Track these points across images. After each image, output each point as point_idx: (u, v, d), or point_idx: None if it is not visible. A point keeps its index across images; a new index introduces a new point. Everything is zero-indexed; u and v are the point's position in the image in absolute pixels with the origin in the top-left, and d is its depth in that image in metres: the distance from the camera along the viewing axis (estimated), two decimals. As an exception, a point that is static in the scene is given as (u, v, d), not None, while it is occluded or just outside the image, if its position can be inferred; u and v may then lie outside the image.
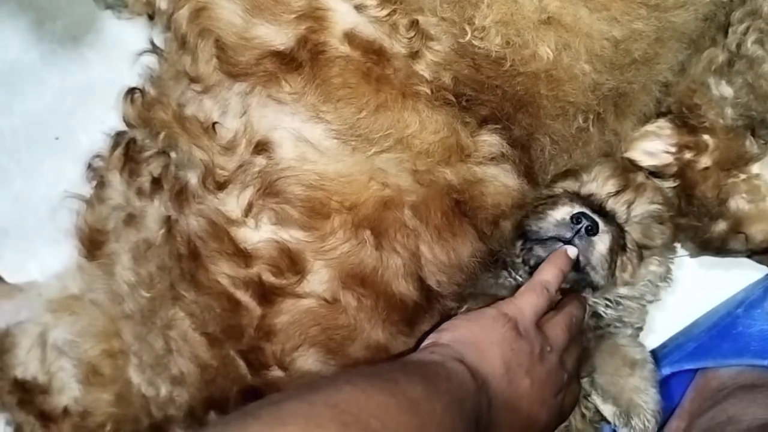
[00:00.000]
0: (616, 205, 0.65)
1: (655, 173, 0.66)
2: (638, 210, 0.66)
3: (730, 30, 0.62)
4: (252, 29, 0.57)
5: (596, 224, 0.62)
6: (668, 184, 0.65)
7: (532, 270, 0.65)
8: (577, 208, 0.63)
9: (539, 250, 0.64)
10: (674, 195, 0.65)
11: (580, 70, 0.56)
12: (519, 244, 0.66)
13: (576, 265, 0.63)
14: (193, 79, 0.60)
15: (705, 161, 0.63)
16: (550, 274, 0.62)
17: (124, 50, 0.71)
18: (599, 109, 0.59)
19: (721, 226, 0.64)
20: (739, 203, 0.63)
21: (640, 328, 0.72)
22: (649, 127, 0.64)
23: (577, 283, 0.65)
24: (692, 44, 0.62)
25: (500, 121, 0.58)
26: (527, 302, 0.60)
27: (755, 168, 0.63)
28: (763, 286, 0.68)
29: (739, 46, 0.60)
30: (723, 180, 0.62)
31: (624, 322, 0.70)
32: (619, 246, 0.64)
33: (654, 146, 0.64)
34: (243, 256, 0.58)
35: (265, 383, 0.60)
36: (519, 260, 0.66)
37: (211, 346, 0.61)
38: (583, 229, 0.62)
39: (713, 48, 0.62)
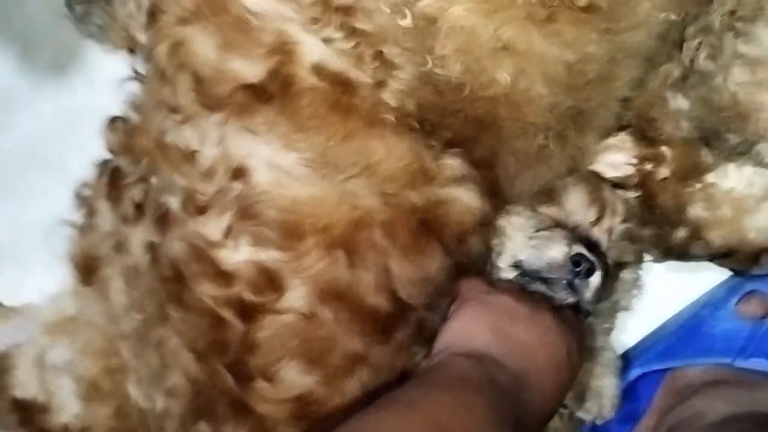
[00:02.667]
0: (599, 234, 0.70)
1: (618, 185, 0.70)
2: (615, 233, 0.71)
3: (684, 45, 0.66)
4: (226, 63, 0.62)
5: (593, 265, 0.67)
6: (631, 194, 0.70)
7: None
8: (575, 249, 0.67)
9: (540, 286, 0.68)
10: (637, 205, 0.70)
11: (536, 92, 0.61)
12: (515, 275, 0.70)
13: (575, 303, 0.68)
14: (173, 110, 0.65)
15: (664, 172, 0.68)
16: None
17: (111, 77, 0.75)
18: (559, 127, 0.64)
19: (681, 233, 0.69)
20: (697, 211, 0.68)
21: (611, 329, 0.77)
22: (611, 140, 0.69)
23: None
24: (648, 61, 0.66)
25: (463, 144, 0.64)
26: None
27: (711, 177, 0.67)
28: (725, 288, 0.72)
29: (692, 61, 0.65)
30: (681, 189, 0.67)
31: (593, 323, 0.75)
32: (606, 275, 0.69)
33: (616, 159, 0.69)
34: (224, 276, 0.63)
35: (251, 395, 0.65)
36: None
37: (199, 361, 0.66)
38: (583, 272, 0.67)
39: (669, 64, 0.66)
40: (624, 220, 0.72)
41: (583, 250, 0.67)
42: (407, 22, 0.58)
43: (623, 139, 0.69)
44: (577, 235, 0.70)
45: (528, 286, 0.69)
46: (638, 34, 0.62)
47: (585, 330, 0.71)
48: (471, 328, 0.65)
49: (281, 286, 0.63)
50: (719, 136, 0.65)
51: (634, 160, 0.69)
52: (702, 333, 0.70)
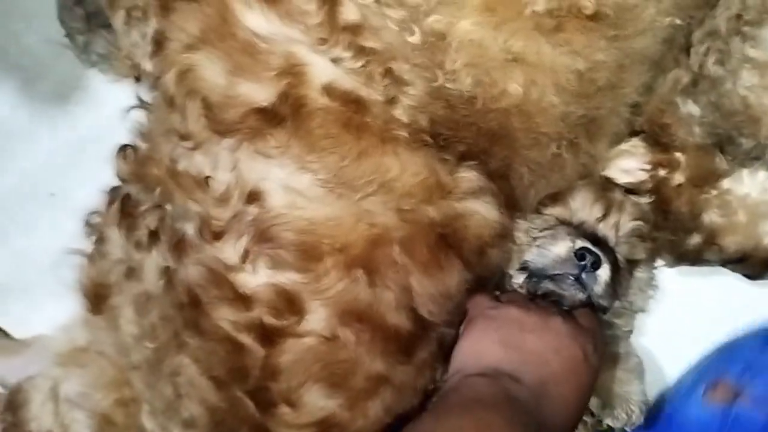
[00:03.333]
0: (606, 229, 0.71)
1: (631, 190, 0.71)
2: (624, 230, 0.71)
3: (691, 51, 0.67)
4: (235, 88, 0.62)
5: (599, 258, 0.68)
6: (644, 200, 0.70)
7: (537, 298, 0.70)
8: (579, 243, 0.68)
9: (549, 285, 0.69)
10: (651, 210, 0.70)
11: (548, 102, 0.61)
12: (523, 278, 0.71)
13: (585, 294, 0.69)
14: (183, 137, 0.65)
15: (678, 178, 0.68)
16: None
17: (112, 106, 0.76)
18: (571, 135, 0.65)
19: (695, 239, 0.69)
20: (712, 217, 0.68)
21: (630, 332, 0.78)
22: (624, 146, 0.70)
23: None
24: (656, 66, 0.67)
25: (477, 156, 0.64)
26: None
27: (725, 183, 0.68)
28: (693, 375, 0.74)
29: (701, 66, 0.66)
30: (696, 195, 0.68)
31: (613, 325, 0.75)
32: (616, 269, 0.69)
33: (629, 164, 0.70)
34: (243, 300, 0.63)
35: (273, 421, 0.65)
36: (523, 291, 0.71)
37: (219, 389, 0.66)
38: (588, 265, 0.68)
39: (677, 69, 0.67)
40: (633, 219, 0.72)
41: (587, 244, 0.68)
42: (416, 38, 0.59)
43: (636, 144, 0.69)
44: (581, 231, 0.70)
45: (538, 288, 0.69)
46: (644, 40, 0.63)
47: (602, 328, 0.70)
48: (481, 346, 0.65)
49: (301, 309, 0.63)
50: (732, 141, 0.66)
51: (648, 166, 0.69)
52: (675, 424, 0.71)
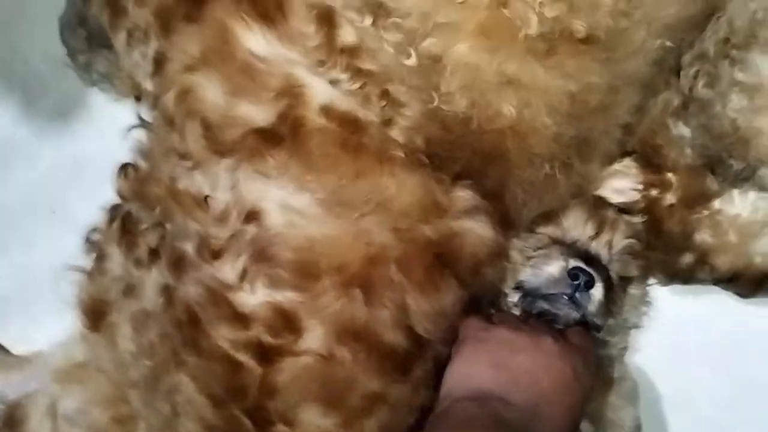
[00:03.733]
0: (599, 248, 0.72)
1: (624, 210, 0.72)
2: (616, 247, 0.72)
3: (681, 73, 0.68)
4: (235, 108, 0.63)
5: (592, 277, 0.69)
6: (637, 219, 0.72)
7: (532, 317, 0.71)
8: (572, 263, 0.69)
9: (543, 304, 0.70)
10: (643, 229, 0.72)
11: (541, 123, 0.62)
12: (518, 297, 0.71)
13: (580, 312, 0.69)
14: (183, 156, 0.66)
15: (670, 198, 0.69)
16: None
17: (114, 124, 0.77)
18: (564, 156, 0.66)
19: (688, 258, 0.70)
20: (703, 237, 0.69)
21: (625, 348, 0.78)
22: (617, 166, 0.71)
23: None
24: (647, 88, 0.68)
25: (472, 176, 0.65)
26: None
27: (716, 204, 0.69)
28: None
29: (691, 89, 0.67)
30: (687, 216, 0.69)
31: (608, 343, 0.76)
32: (609, 287, 0.70)
33: (622, 184, 0.71)
34: (241, 319, 0.63)
35: (271, 439, 0.66)
36: (518, 310, 0.71)
37: (216, 407, 0.66)
38: (582, 284, 0.69)
39: (668, 92, 0.68)
40: (626, 236, 0.73)
41: (580, 263, 0.69)
42: (412, 61, 0.60)
43: (628, 165, 0.71)
44: (574, 249, 0.71)
45: (532, 307, 0.70)
46: (636, 62, 0.64)
47: (596, 347, 0.71)
48: (471, 368, 0.65)
49: (299, 327, 0.64)
50: (722, 162, 0.67)
51: (640, 186, 0.71)
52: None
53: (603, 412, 0.71)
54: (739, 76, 0.64)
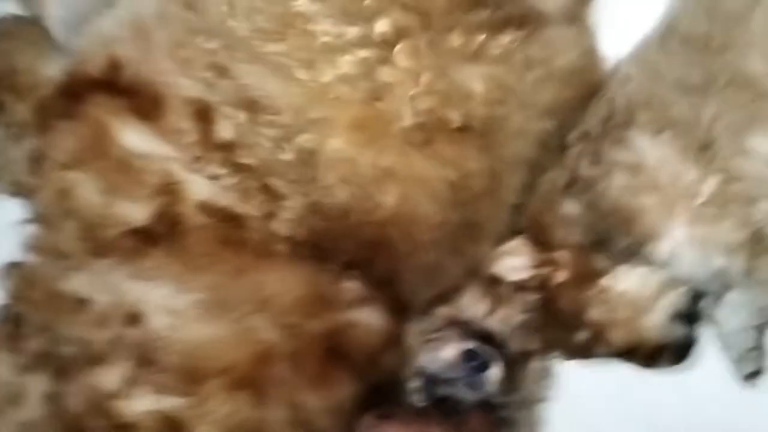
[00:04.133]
0: (494, 324, 0.71)
1: (520, 287, 0.72)
2: (513, 323, 0.71)
3: (567, 152, 0.69)
4: (112, 207, 0.62)
5: (487, 357, 0.68)
6: (533, 297, 0.72)
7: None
8: (466, 345, 0.68)
9: (444, 389, 0.68)
10: (539, 307, 0.72)
11: (423, 212, 0.62)
12: (418, 383, 0.69)
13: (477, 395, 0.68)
14: (63, 256, 0.64)
15: (560, 276, 0.70)
16: None
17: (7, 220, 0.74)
18: (452, 240, 0.65)
19: (583, 335, 0.70)
20: (596, 314, 0.69)
21: (534, 424, 0.76)
22: (509, 245, 0.71)
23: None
24: (533, 168, 0.69)
25: (361, 265, 0.64)
26: None
27: (605, 281, 0.69)
28: None
29: (576, 168, 0.68)
30: (578, 294, 0.69)
31: (516, 420, 0.75)
32: (506, 365, 0.69)
33: (515, 263, 0.71)
34: (124, 429, 0.60)
35: None
36: (421, 396, 0.69)
37: None
38: (477, 365, 0.68)
39: (555, 170, 0.69)
40: (523, 311, 0.72)
41: (474, 345, 0.68)
42: (288, 156, 0.60)
43: (520, 244, 0.71)
44: (470, 329, 0.70)
45: (434, 393, 0.68)
46: (517, 145, 0.65)
47: (499, 426, 0.70)
48: None
49: (186, 435, 0.63)
50: (609, 239, 0.67)
51: (532, 264, 0.71)
52: None
53: None
54: (620, 155, 0.65)
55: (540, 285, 0.69)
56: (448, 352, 0.68)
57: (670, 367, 0.72)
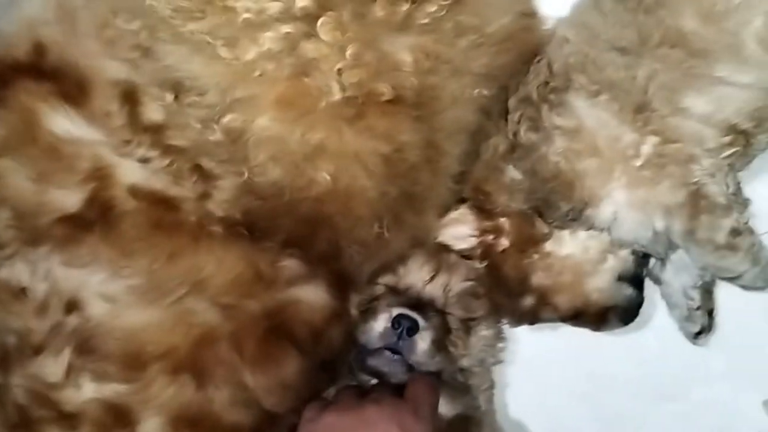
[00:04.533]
0: (434, 291, 0.70)
1: (466, 256, 0.72)
2: (455, 290, 0.71)
3: (508, 117, 0.69)
4: (43, 195, 0.61)
5: (415, 323, 0.67)
6: (478, 265, 0.71)
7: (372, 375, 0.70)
8: (395, 311, 0.67)
9: (371, 361, 0.69)
10: (485, 275, 0.71)
11: (360, 186, 0.62)
12: (354, 354, 0.70)
13: (408, 364, 0.68)
14: (-1, 245, 0.64)
15: (503, 243, 0.69)
16: None
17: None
18: (392, 213, 0.65)
19: (529, 300, 0.70)
20: (539, 279, 0.70)
21: (491, 388, 0.78)
22: (453, 214, 0.71)
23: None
24: (475, 135, 0.69)
25: (301, 242, 0.64)
26: None
27: (548, 246, 0.69)
28: None
29: (516, 133, 0.68)
30: (521, 260, 0.69)
31: (470, 387, 0.75)
32: (443, 332, 0.69)
33: (459, 231, 0.71)
34: (69, 419, 0.61)
35: None
36: (357, 368, 0.70)
37: None
38: (404, 331, 0.67)
39: (497, 136, 0.69)
40: (466, 279, 0.72)
41: (403, 310, 0.68)
42: (217, 136, 0.59)
43: (463, 212, 0.70)
44: (406, 297, 0.70)
45: (364, 366, 0.69)
46: (454, 113, 0.64)
47: (437, 390, 0.69)
48: None
49: (131, 420, 0.61)
50: (551, 204, 0.67)
51: (476, 233, 0.71)
52: None
53: None
54: (558, 120, 0.64)
55: (484, 253, 0.69)
56: (380, 322, 0.68)
57: (617, 329, 0.72)
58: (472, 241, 0.70)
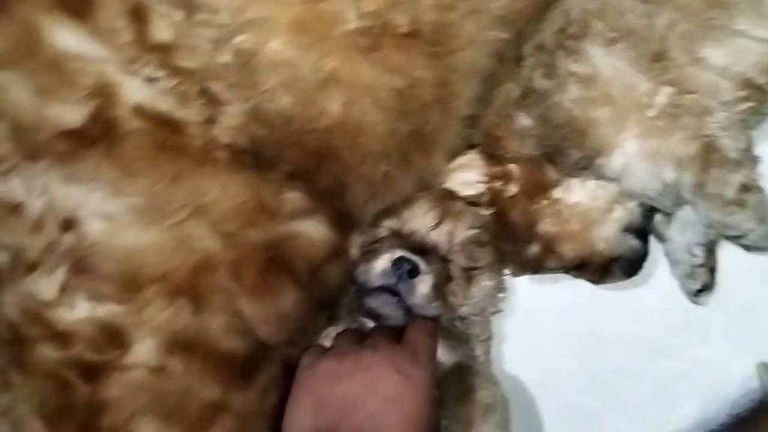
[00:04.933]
0: (438, 237, 0.70)
1: (473, 202, 0.71)
2: (459, 237, 0.71)
3: (522, 64, 0.68)
4: (44, 109, 0.59)
5: (416, 266, 0.67)
6: (485, 212, 0.71)
7: (370, 317, 0.70)
8: (397, 253, 0.67)
9: (369, 301, 0.68)
10: (492, 222, 0.71)
11: (370, 121, 0.61)
12: (353, 292, 0.70)
13: (406, 307, 0.68)
14: (-3, 160, 0.63)
15: (512, 189, 0.69)
16: None
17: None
18: (401, 152, 0.64)
19: (534, 248, 0.70)
20: (546, 226, 0.70)
21: (489, 338, 0.78)
22: (462, 159, 0.70)
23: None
24: (488, 80, 0.67)
25: (306, 175, 0.63)
26: None
27: (556, 193, 0.69)
28: None
29: (530, 80, 0.67)
30: (529, 206, 0.69)
31: (471, 335, 0.75)
32: (444, 278, 0.69)
33: (468, 177, 0.70)
34: (62, 337, 0.60)
35: (106, 458, 0.64)
36: (354, 308, 0.70)
37: (50, 427, 0.63)
38: (405, 273, 0.67)
39: (510, 83, 0.68)
40: (471, 227, 0.72)
41: (405, 253, 0.67)
42: (227, 58, 0.57)
43: (473, 157, 0.70)
44: (409, 241, 0.69)
45: (362, 305, 0.69)
46: (470, 54, 0.63)
47: (436, 336, 0.69)
48: (295, 415, 0.63)
49: (125, 341, 0.61)
50: (561, 152, 0.67)
51: (485, 178, 0.70)
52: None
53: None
54: (574, 67, 0.64)
55: (492, 199, 0.69)
56: (381, 261, 0.67)
57: (620, 281, 0.72)
58: (480, 187, 0.69)
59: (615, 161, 0.64)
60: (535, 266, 0.72)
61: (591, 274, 0.72)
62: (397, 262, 0.67)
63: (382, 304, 0.68)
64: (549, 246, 0.70)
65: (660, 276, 0.78)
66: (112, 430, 0.62)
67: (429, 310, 0.68)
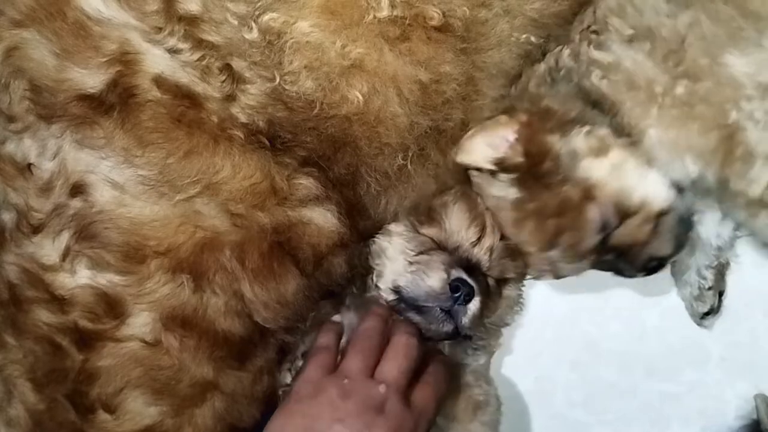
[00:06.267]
0: (480, 254, 0.68)
1: (501, 167, 0.64)
2: (496, 252, 0.68)
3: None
4: (64, 72, 0.59)
5: (473, 290, 0.65)
6: (511, 176, 0.64)
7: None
8: (454, 274, 0.65)
9: (415, 315, 0.66)
10: (520, 185, 0.63)
11: (391, 112, 0.60)
12: (393, 299, 0.67)
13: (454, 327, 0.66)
14: (10, 119, 0.61)
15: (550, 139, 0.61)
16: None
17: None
18: (419, 146, 0.64)
19: (572, 191, 0.62)
20: (585, 171, 0.62)
21: (495, 346, 0.76)
22: (487, 123, 0.63)
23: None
24: (513, 81, 0.67)
25: (319, 162, 0.62)
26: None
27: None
28: None
29: (557, 60, 0.63)
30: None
31: (479, 347, 0.74)
32: (487, 297, 0.67)
33: (494, 139, 0.63)
34: (59, 302, 0.60)
35: (92, 426, 0.62)
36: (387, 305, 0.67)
37: (38, 391, 0.63)
38: (462, 297, 0.64)
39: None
40: (503, 238, 0.70)
41: (462, 275, 0.65)
42: (253, 35, 0.57)
43: (498, 117, 0.63)
44: (457, 257, 0.67)
45: (404, 315, 0.66)
46: (498, 54, 0.63)
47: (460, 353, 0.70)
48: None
49: (122, 313, 0.61)
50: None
51: (516, 135, 0.62)
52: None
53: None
54: (598, 55, 0.61)
55: (526, 149, 0.62)
56: (435, 281, 0.64)
57: (669, 253, 0.63)
58: (505, 146, 0.62)
59: (644, 146, 0.60)
60: (572, 222, 0.62)
61: (636, 235, 0.62)
62: (455, 285, 0.64)
63: (431, 323, 0.65)
64: (587, 192, 0.62)
65: (662, 296, 0.77)
66: (101, 400, 0.62)
67: (471, 330, 0.66)
